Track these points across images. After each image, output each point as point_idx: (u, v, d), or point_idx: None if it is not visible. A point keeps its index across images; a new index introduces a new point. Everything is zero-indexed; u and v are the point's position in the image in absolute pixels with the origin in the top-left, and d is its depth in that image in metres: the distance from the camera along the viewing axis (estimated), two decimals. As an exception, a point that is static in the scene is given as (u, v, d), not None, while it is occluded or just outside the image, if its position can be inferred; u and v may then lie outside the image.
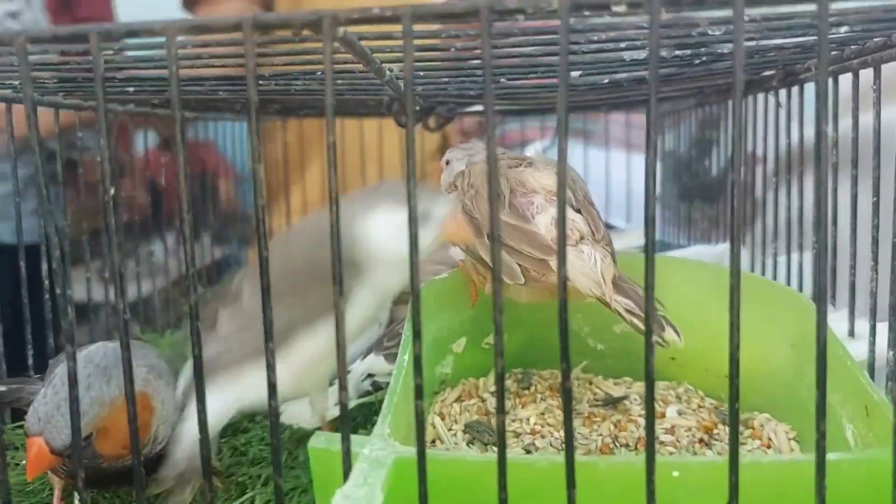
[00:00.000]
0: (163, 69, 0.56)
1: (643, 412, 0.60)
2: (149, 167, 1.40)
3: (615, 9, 0.34)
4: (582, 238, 0.54)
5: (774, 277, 0.79)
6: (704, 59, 0.58)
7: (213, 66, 0.55)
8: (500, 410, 0.37)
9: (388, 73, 0.53)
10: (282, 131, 1.25)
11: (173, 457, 0.52)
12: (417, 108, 0.76)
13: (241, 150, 1.42)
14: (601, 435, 0.55)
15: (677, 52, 0.54)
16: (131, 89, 0.67)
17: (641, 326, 0.51)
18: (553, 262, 0.52)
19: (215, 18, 0.36)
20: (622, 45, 0.52)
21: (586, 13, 0.34)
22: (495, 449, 0.54)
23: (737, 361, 0.36)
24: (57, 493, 0.55)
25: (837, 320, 0.63)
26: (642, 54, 0.56)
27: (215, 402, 0.49)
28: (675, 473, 0.37)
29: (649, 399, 0.36)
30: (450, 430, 0.56)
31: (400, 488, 0.38)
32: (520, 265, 0.53)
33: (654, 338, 0.52)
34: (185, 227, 0.37)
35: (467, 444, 0.55)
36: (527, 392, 0.62)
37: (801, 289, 0.74)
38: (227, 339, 0.53)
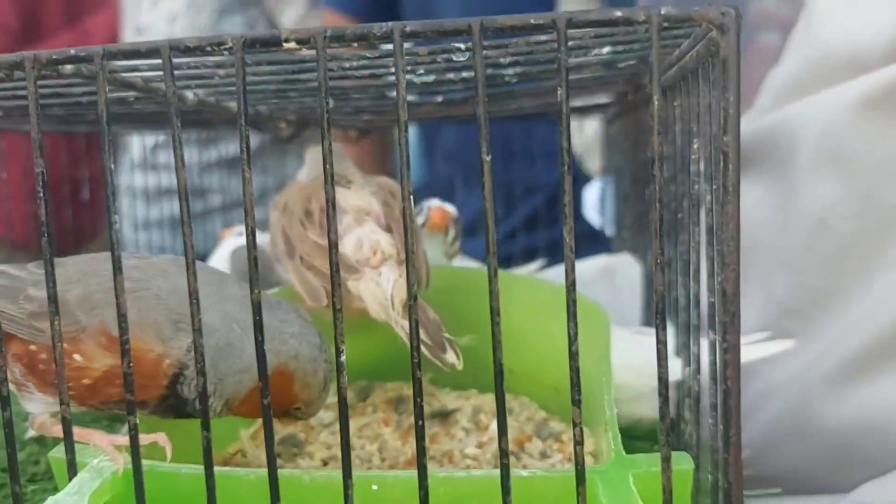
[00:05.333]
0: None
1: (467, 425, 0.61)
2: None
3: (286, 46, 0.36)
4: (385, 259, 0.54)
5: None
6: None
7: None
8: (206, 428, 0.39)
9: (191, 96, 0.55)
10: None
11: None
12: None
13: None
14: (412, 448, 0.57)
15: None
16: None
17: (425, 351, 0.52)
18: (349, 283, 0.53)
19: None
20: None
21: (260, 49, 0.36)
22: (300, 461, 0.56)
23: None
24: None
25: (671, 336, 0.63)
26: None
27: None
28: (374, 487, 0.39)
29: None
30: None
31: (127, 498, 0.40)
32: (325, 287, 0.54)
33: (435, 360, 0.53)
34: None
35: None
36: (361, 404, 0.64)
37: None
38: None
